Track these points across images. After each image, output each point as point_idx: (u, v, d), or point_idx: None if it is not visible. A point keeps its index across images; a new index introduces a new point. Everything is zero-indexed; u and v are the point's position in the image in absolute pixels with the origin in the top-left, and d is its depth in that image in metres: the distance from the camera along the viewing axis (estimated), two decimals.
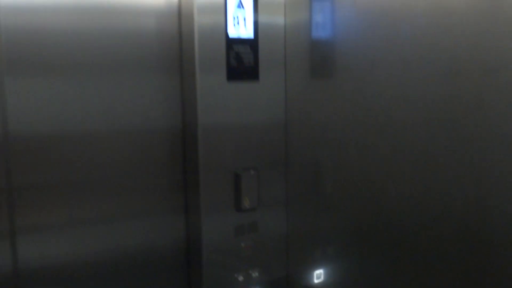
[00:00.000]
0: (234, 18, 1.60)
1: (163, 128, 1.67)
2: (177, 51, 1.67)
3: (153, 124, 1.66)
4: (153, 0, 1.60)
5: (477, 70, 1.25)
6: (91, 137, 1.55)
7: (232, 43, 1.61)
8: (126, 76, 1.60)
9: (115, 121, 1.59)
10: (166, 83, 1.67)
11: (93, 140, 1.55)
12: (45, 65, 1.45)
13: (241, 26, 1.62)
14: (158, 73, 1.65)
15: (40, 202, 1.46)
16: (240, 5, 1.60)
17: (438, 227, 1.36)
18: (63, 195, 1.50)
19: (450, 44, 1.30)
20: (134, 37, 1.60)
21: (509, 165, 1.18)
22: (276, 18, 1.75)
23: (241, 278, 1.72)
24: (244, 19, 1.64)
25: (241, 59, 1.63)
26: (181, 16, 1.64)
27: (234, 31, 1.60)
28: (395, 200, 1.50)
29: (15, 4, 1.38)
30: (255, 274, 1.75)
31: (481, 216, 1.25)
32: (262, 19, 1.70)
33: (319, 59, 1.74)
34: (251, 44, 1.66)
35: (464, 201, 1.28)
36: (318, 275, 1.76)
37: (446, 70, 1.32)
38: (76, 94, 1.51)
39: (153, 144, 1.66)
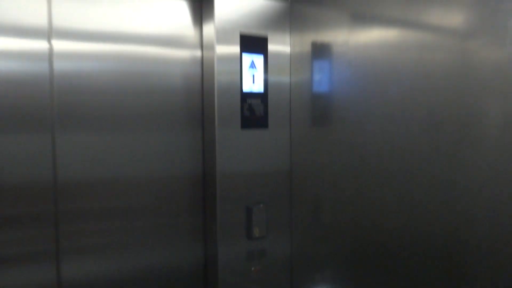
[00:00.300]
0: (247, 76, 1.85)
1: (187, 173, 1.90)
2: (200, 107, 1.90)
3: (179, 170, 1.89)
4: (181, 66, 1.85)
5: (453, 124, 1.38)
6: (127, 181, 1.77)
7: (246, 97, 1.85)
8: (157, 130, 1.83)
9: (147, 167, 1.81)
10: (190, 136, 1.90)
11: (130, 183, 1.77)
12: (89, 121, 1.68)
13: (253, 83, 1.86)
14: (184, 128, 1.88)
15: (83, 232, 1.68)
16: (253, 65, 1.85)
17: (422, 252, 1.49)
18: (103, 225, 1.73)
19: (430, 102, 1.45)
20: (165, 96, 1.83)
21: (481, 205, 1.32)
22: (283, 76, 1.98)
23: None
24: (256, 77, 1.88)
25: (253, 110, 1.87)
26: (204, 77, 1.89)
27: (247, 87, 1.85)
28: (385, 229, 1.63)
29: (67, 71, 1.63)
30: None
31: (459, 249, 1.39)
32: (271, 77, 1.93)
33: (319, 111, 1.91)
34: (262, 97, 1.90)
35: (444, 231, 1.42)
36: None
37: (427, 124, 1.45)
38: (115, 144, 1.73)
39: (179, 186, 1.89)
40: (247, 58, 1.84)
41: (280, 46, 1.96)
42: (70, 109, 1.63)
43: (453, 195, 1.37)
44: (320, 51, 1.87)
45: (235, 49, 1.82)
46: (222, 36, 1.79)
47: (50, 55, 1.59)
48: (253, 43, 1.87)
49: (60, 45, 1.61)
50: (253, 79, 1.86)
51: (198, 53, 1.88)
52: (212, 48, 1.80)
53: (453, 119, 1.37)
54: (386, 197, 1.60)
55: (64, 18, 1.61)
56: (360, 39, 1.70)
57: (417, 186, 1.49)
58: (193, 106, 1.89)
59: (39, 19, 1.57)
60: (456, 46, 1.37)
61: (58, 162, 1.62)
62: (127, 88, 1.75)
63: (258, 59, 1.87)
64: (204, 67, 1.88)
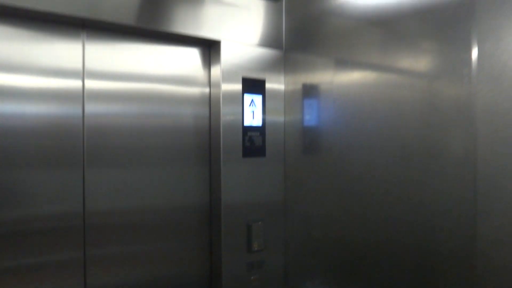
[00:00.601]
0: (248, 112, 2.09)
1: (196, 203, 2.10)
2: (207, 145, 2.12)
3: (190, 197, 2.08)
4: (192, 101, 2.08)
5: (421, 156, 1.52)
6: (146, 211, 1.95)
7: (246, 130, 2.09)
8: (171, 166, 2.02)
9: (163, 199, 2.00)
10: (199, 171, 2.10)
11: (148, 212, 1.95)
12: (114, 159, 1.86)
13: (253, 118, 2.11)
14: (194, 164, 2.09)
15: (108, 257, 1.85)
16: (253, 104, 2.11)
17: (398, 259, 1.60)
18: (125, 246, 1.90)
19: (402, 136, 1.58)
20: (178, 135, 2.04)
21: (444, 221, 1.44)
22: (278, 112, 2.23)
23: None
24: (255, 113, 2.12)
25: (253, 141, 2.10)
26: (211, 111, 2.12)
27: (248, 121, 2.09)
28: (367, 242, 1.74)
29: (96, 115, 1.81)
30: None
31: (428, 255, 1.50)
32: (268, 113, 2.18)
33: (309, 141, 2.08)
34: (260, 130, 2.13)
35: (415, 242, 1.53)
36: None
37: (400, 155, 1.60)
38: (135, 179, 1.91)
39: (190, 213, 2.08)
40: (248, 97, 2.09)
41: (276, 86, 2.21)
42: (97, 150, 1.81)
43: (422, 213, 1.52)
44: (309, 90, 2.07)
45: (238, 87, 2.07)
46: (227, 76, 2.04)
47: (83, 92, 1.78)
48: (253, 85, 2.11)
49: (91, 84, 1.80)
50: (253, 115, 2.10)
51: (206, 90, 2.12)
52: (218, 86, 2.05)
53: (421, 152, 1.52)
54: (367, 215, 1.74)
55: (95, 61, 1.82)
56: (343, 81, 1.87)
57: (393, 206, 1.63)
58: (202, 137, 2.10)
59: (74, 62, 1.77)
60: (423, 86, 1.52)
61: (85, 195, 1.79)
62: (147, 126, 1.95)
63: (257, 98, 2.12)
64: (212, 102, 2.11)
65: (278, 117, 2.22)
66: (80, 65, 1.78)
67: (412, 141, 1.56)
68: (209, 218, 2.13)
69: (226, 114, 2.04)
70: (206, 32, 2.00)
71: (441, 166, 1.46)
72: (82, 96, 1.78)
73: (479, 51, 1.36)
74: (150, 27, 1.85)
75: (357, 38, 1.80)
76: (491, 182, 1.33)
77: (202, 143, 2.11)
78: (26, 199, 1.67)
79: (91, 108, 1.80)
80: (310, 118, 2.08)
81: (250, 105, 2.10)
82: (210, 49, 2.13)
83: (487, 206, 1.33)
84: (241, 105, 2.08)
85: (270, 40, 2.21)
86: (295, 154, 2.17)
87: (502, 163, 1.30)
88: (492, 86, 1.33)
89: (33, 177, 1.68)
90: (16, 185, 1.65)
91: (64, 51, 1.75)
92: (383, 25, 1.69)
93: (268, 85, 2.18)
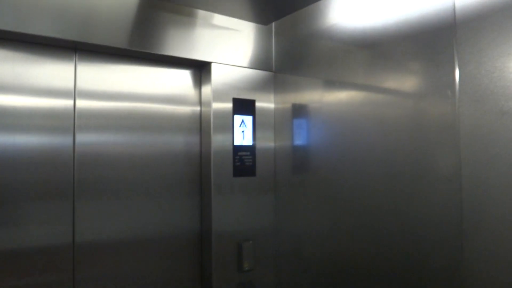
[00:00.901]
0: (238, 132, 2.12)
1: (187, 223, 2.11)
2: (198, 164, 2.14)
3: (181, 221, 2.09)
4: (183, 120, 2.10)
5: (409, 174, 1.55)
6: (137, 242, 1.95)
7: (237, 150, 2.11)
8: (163, 198, 2.04)
9: (155, 229, 2.00)
10: (190, 201, 2.12)
11: (140, 242, 1.95)
12: (104, 191, 1.86)
13: (243, 138, 2.14)
14: (184, 195, 2.10)
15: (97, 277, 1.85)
16: (243, 124, 2.14)
17: (385, 273, 1.62)
18: (118, 271, 1.90)
19: (390, 154, 1.62)
20: (168, 153, 2.06)
21: (429, 237, 1.48)
22: (268, 132, 2.26)
23: None
24: (245, 133, 2.15)
25: (243, 160, 2.13)
26: (202, 136, 2.14)
27: (238, 141, 2.12)
28: (356, 259, 1.76)
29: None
30: None
31: (414, 269, 1.54)
32: (258, 132, 2.21)
33: (299, 160, 2.12)
34: (251, 150, 2.16)
35: (402, 257, 1.55)
36: None
37: (387, 173, 1.63)
38: (125, 210, 1.92)
39: (180, 234, 2.08)
40: (238, 118, 2.13)
41: (265, 106, 2.26)
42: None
43: (410, 229, 1.55)
44: (299, 110, 2.11)
45: (228, 106, 2.11)
46: (217, 96, 2.08)
47: (74, 111, 1.80)
48: (243, 105, 2.15)
49: (82, 103, 1.83)
50: (243, 135, 2.14)
51: (197, 108, 2.16)
52: (209, 105, 2.09)
53: (408, 170, 1.56)
54: (356, 233, 1.76)
55: (87, 82, 1.85)
56: (332, 101, 1.91)
57: (381, 223, 1.65)
58: (192, 155, 2.12)
59: (66, 83, 1.80)
60: (409, 106, 1.57)
61: (76, 227, 1.79)
62: (138, 143, 1.97)
63: (248, 118, 2.16)
64: (202, 121, 2.14)
65: (268, 137, 2.26)
66: (71, 86, 1.81)
67: (399, 159, 1.60)
68: (200, 239, 2.14)
69: (216, 134, 2.07)
70: (197, 54, 2.04)
71: (428, 184, 1.50)
72: (73, 115, 1.80)
73: (461, 74, 1.41)
74: (142, 49, 1.89)
75: (345, 60, 1.85)
76: (476, 198, 1.37)
77: (192, 162, 2.13)
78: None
79: (82, 124, 1.83)
80: (299, 137, 2.11)
81: (240, 125, 2.13)
82: (201, 70, 2.17)
83: (473, 221, 1.37)
84: (231, 125, 2.11)
85: (260, 62, 2.26)
86: (285, 173, 2.20)
87: (485, 181, 1.34)
88: (474, 108, 1.38)
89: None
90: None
91: (56, 72, 1.78)
92: (370, 47, 1.74)
93: (258, 106, 2.23)
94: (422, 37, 1.55)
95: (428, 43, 1.53)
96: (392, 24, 1.66)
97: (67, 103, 1.80)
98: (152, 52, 1.91)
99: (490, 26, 1.35)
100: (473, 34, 1.39)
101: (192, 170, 2.12)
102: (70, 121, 1.80)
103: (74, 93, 1.81)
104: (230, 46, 2.15)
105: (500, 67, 1.32)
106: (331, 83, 1.93)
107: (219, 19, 2.12)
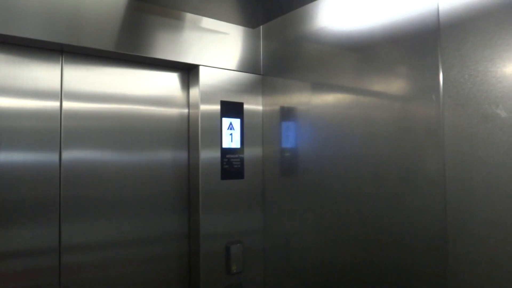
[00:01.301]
0: (226, 135, 2.13)
1: (175, 226, 2.10)
2: (186, 167, 2.13)
3: (168, 225, 2.09)
4: (170, 128, 2.10)
5: (393, 177, 1.58)
6: (125, 245, 1.94)
7: (225, 152, 2.11)
8: (151, 198, 2.03)
9: (143, 231, 2.00)
10: (178, 204, 2.12)
11: (127, 247, 1.94)
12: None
13: (231, 140, 2.14)
14: (172, 198, 2.10)
15: None
16: (231, 127, 2.14)
17: (372, 275, 1.64)
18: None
19: (375, 159, 1.65)
20: (156, 167, 2.06)
21: (413, 239, 1.51)
22: (256, 134, 2.26)
23: None
24: (233, 136, 2.15)
25: (232, 163, 2.13)
26: (189, 139, 2.14)
27: (226, 144, 2.12)
28: (343, 262, 1.77)
29: (74, 132, 1.82)
30: None
31: (399, 272, 1.57)
32: (246, 135, 2.21)
33: (287, 163, 2.12)
34: (239, 152, 2.17)
35: (387, 259, 1.59)
36: None
37: (373, 177, 1.66)
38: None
39: (171, 244, 2.08)
40: (226, 120, 2.13)
41: (254, 109, 2.26)
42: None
43: (395, 232, 1.57)
44: (287, 113, 2.12)
45: (216, 108, 2.11)
46: (205, 97, 2.08)
47: (60, 113, 1.79)
48: (231, 108, 2.16)
49: (69, 105, 1.82)
50: (231, 138, 2.14)
51: (185, 110, 2.16)
52: (197, 107, 2.09)
53: (393, 173, 1.58)
54: (343, 236, 1.78)
55: (73, 84, 1.84)
56: (319, 103, 1.93)
57: (367, 226, 1.67)
58: (180, 161, 2.13)
59: (53, 84, 1.79)
60: (395, 109, 1.59)
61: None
62: (125, 138, 1.96)
63: (236, 121, 2.16)
64: (190, 123, 2.14)
65: (256, 140, 2.26)
66: (58, 87, 1.80)
67: (385, 162, 1.62)
68: (188, 242, 2.13)
69: (204, 137, 2.07)
70: (185, 57, 2.04)
71: (413, 187, 1.51)
72: (59, 116, 1.80)
73: (445, 77, 1.43)
74: (130, 52, 1.88)
75: (332, 63, 1.87)
76: (460, 201, 1.38)
77: (180, 166, 2.13)
78: None
79: (69, 124, 1.82)
80: (287, 140, 2.12)
81: (228, 127, 2.13)
82: (189, 73, 2.18)
83: (458, 225, 1.39)
84: (219, 127, 2.11)
85: (248, 65, 2.27)
86: (273, 175, 2.21)
87: (469, 184, 1.36)
88: (458, 112, 1.40)
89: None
90: None
91: (42, 74, 1.77)
92: (357, 51, 1.76)
93: (246, 108, 2.23)
94: (407, 41, 1.57)
95: (413, 47, 1.54)
96: (378, 28, 1.68)
97: (53, 104, 1.79)
98: (140, 55, 1.91)
99: (474, 31, 1.37)
100: (457, 39, 1.41)
101: (180, 172, 2.12)
102: (57, 123, 1.79)
103: (61, 95, 1.80)
104: (218, 49, 2.15)
105: (483, 71, 1.34)
106: (319, 86, 1.94)
107: (207, 22, 2.13)
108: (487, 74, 1.33)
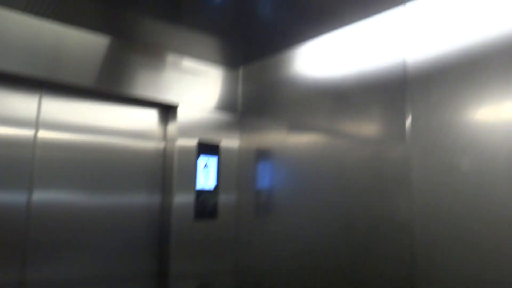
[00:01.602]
0: (201, 175, 2.11)
1: (146, 274, 2.05)
2: (159, 209, 2.11)
3: (137, 265, 2.03)
4: (146, 162, 2.10)
5: (363, 226, 1.61)
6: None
7: (199, 193, 2.09)
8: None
9: (109, 269, 1.94)
10: (149, 243, 2.08)
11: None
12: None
13: (206, 180, 2.13)
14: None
15: None
16: (207, 166, 2.14)
17: None
18: None
19: (347, 205, 1.67)
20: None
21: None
22: (232, 174, 2.26)
23: None
24: (209, 175, 2.15)
25: (205, 203, 2.10)
26: (164, 176, 2.13)
27: (201, 184, 2.11)
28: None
29: (47, 160, 1.81)
30: None
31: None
32: (222, 174, 2.20)
33: (261, 203, 2.10)
34: (213, 193, 2.15)
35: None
36: None
37: (343, 224, 1.69)
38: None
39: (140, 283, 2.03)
40: (202, 160, 2.13)
41: (230, 147, 2.27)
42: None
43: (365, 276, 1.56)
44: (262, 153, 2.14)
45: (193, 144, 2.11)
46: (183, 133, 2.10)
47: (34, 140, 1.78)
48: (208, 148, 2.16)
49: (44, 134, 1.81)
50: (206, 177, 2.13)
51: (162, 145, 2.16)
52: (173, 141, 2.09)
53: (363, 217, 1.60)
54: (314, 277, 1.77)
55: (50, 115, 1.84)
56: (294, 144, 1.96)
57: (338, 271, 1.68)
58: (154, 200, 2.10)
59: (30, 113, 1.79)
60: (366, 152, 1.63)
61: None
62: (98, 169, 1.94)
63: (212, 160, 2.16)
64: (166, 158, 2.13)
65: (231, 179, 2.25)
66: (34, 116, 1.80)
67: (356, 206, 1.65)
68: (158, 282, 2.07)
69: (179, 174, 2.06)
70: (165, 95, 2.07)
71: (382, 232, 1.53)
72: (33, 144, 1.79)
73: (413, 124, 1.48)
74: (110, 89, 1.90)
75: (308, 106, 1.92)
76: (428, 245, 1.40)
77: (153, 205, 2.10)
78: None
79: (43, 152, 1.80)
80: (262, 180, 2.12)
81: (204, 167, 2.13)
82: (168, 110, 2.19)
83: (425, 268, 1.39)
84: (194, 166, 2.11)
85: (226, 104, 2.30)
86: (247, 216, 2.19)
87: (436, 229, 1.38)
88: (426, 158, 1.43)
89: None
90: None
91: (21, 105, 1.77)
92: (331, 95, 1.82)
93: (222, 147, 2.24)
94: (377, 89, 1.62)
95: (382, 95, 1.60)
96: (350, 76, 1.74)
97: (28, 133, 1.78)
98: (120, 92, 1.93)
99: (441, 83, 1.42)
100: (425, 89, 1.46)
101: (152, 212, 2.10)
102: (30, 152, 1.77)
103: (37, 124, 1.80)
104: (197, 88, 2.19)
105: (448, 121, 1.39)
106: (294, 127, 1.99)
107: (188, 61, 2.17)
108: (452, 125, 1.37)
